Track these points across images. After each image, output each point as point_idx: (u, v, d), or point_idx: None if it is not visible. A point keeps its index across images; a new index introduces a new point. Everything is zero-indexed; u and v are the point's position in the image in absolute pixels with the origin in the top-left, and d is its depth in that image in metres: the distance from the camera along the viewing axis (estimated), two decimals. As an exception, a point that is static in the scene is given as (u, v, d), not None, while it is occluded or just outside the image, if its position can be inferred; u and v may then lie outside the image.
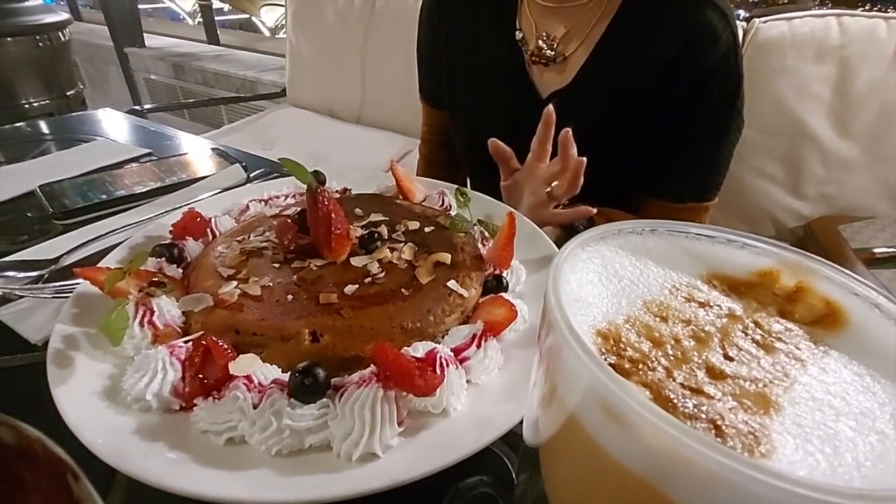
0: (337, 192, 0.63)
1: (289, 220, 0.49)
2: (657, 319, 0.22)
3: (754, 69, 1.60)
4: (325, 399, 0.33)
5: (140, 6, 3.51)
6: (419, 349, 0.36)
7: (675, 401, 0.17)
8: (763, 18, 1.62)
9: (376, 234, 0.48)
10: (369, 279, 0.44)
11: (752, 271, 0.25)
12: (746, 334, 0.21)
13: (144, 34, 3.43)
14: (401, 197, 0.62)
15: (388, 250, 0.47)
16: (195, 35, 3.67)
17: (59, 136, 0.93)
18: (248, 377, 0.33)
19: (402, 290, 0.43)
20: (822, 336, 0.22)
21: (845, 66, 1.46)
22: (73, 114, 1.08)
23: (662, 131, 0.72)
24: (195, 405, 0.33)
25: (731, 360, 0.20)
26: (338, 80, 2.21)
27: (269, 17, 5.07)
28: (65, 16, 2.21)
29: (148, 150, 0.85)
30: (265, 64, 3.01)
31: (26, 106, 2.08)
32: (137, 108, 1.82)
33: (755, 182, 1.63)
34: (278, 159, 0.48)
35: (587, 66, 0.71)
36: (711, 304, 0.23)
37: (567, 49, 0.72)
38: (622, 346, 0.20)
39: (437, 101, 0.91)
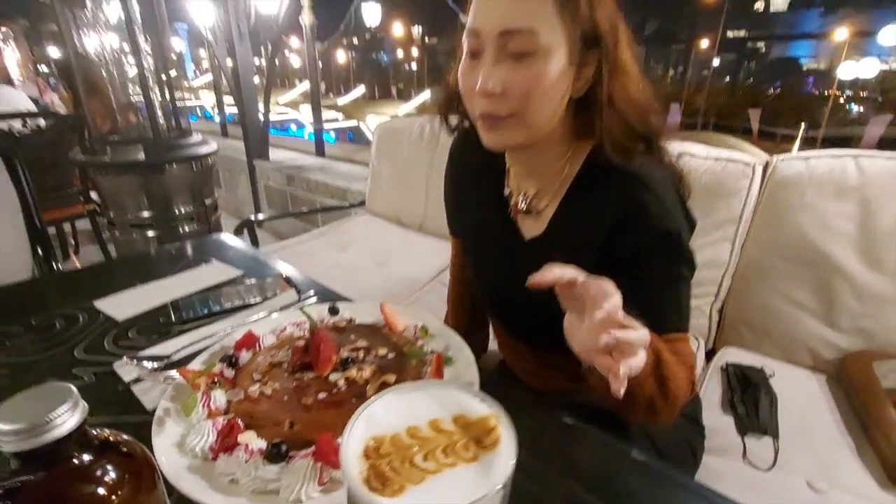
0: (345, 320, 0.92)
1: (301, 345, 0.78)
2: (407, 435, 0.45)
3: (775, 203, 1.66)
4: (283, 462, 0.59)
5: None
6: (345, 439, 0.61)
7: (380, 470, 0.41)
8: (781, 157, 1.70)
9: (350, 358, 0.75)
10: (336, 390, 0.70)
11: (478, 415, 0.47)
12: (445, 448, 0.43)
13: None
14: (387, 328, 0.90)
15: (355, 370, 0.74)
16: (307, 148, 4.51)
17: (193, 256, 1.37)
18: (246, 445, 0.60)
19: (353, 399, 0.68)
20: (484, 453, 0.43)
21: (867, 205, 1.50)
22: (197, 240, 1.53)
23: (616, 282, 0.89)
24: (218, 457, 0.61)
25: (427, 458, 0.42)
26: (406, 196, 2.66)
27: (373, 123, 6.10)
28: (214, 146, 2.96)
29: (242, 272, 1.24)
30: (355, 175, 3.63)
31: (177, 212, 2.78)
32: (252, 218, 2.39)
33: (785, 309, 1.63)
34: (299, 308, 0.79)
35: (555, 219, 0.90)
36: (444, 430, 0.45)
37: (540, 204, 0.92)
38: (379, 446, 0.43)
39: (458, 235, 1.19)
